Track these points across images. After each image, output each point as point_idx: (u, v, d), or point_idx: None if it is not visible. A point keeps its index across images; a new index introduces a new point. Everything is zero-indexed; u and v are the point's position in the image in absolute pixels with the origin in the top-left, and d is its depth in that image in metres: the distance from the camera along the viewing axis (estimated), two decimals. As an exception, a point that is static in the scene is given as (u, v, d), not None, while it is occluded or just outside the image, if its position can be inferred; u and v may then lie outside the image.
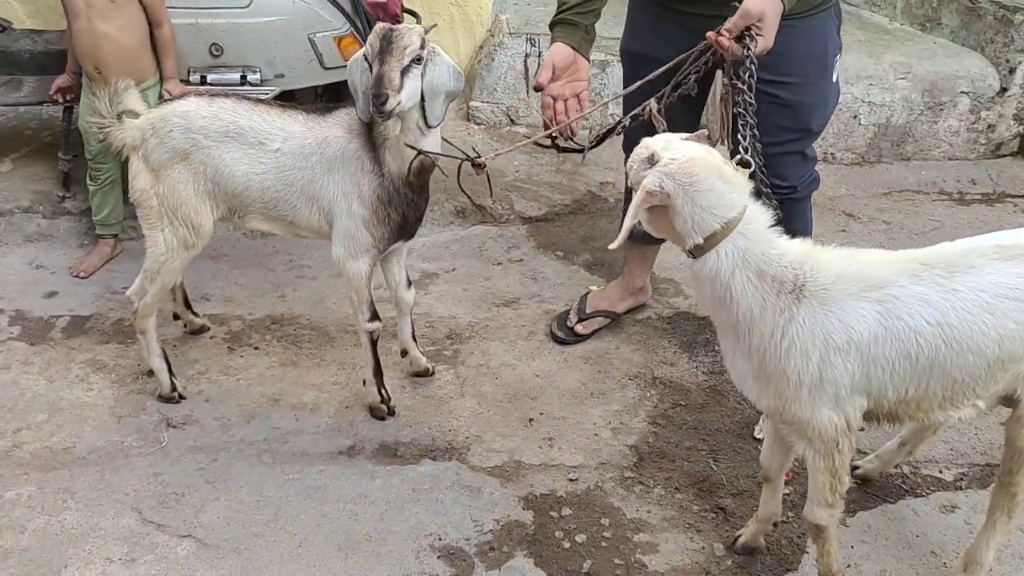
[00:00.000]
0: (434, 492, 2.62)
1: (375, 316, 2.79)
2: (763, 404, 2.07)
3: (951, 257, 1.95)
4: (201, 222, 2.73)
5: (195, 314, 3.30)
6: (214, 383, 3.06)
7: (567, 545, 2.49)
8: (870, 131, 4.93)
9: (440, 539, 2.49)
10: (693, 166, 1.87)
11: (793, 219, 2.86)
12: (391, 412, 2.90)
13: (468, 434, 2.87)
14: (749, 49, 2.20)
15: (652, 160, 1.92)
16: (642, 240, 2.95)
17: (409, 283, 2.96)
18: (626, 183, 2.16)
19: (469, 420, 2.92)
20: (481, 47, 5.24)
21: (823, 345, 1.89)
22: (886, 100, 4.89)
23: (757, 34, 2.20)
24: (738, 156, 2.12)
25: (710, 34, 2.24)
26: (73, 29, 3.42)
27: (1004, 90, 4.95)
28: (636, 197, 1.91)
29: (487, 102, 5.00)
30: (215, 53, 3.75)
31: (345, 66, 3.93)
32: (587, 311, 3.38)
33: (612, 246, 1.96)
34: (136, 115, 2.72)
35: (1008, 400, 2.07)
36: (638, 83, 2.52)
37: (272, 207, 2.72)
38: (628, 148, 2.38)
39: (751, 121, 2.23)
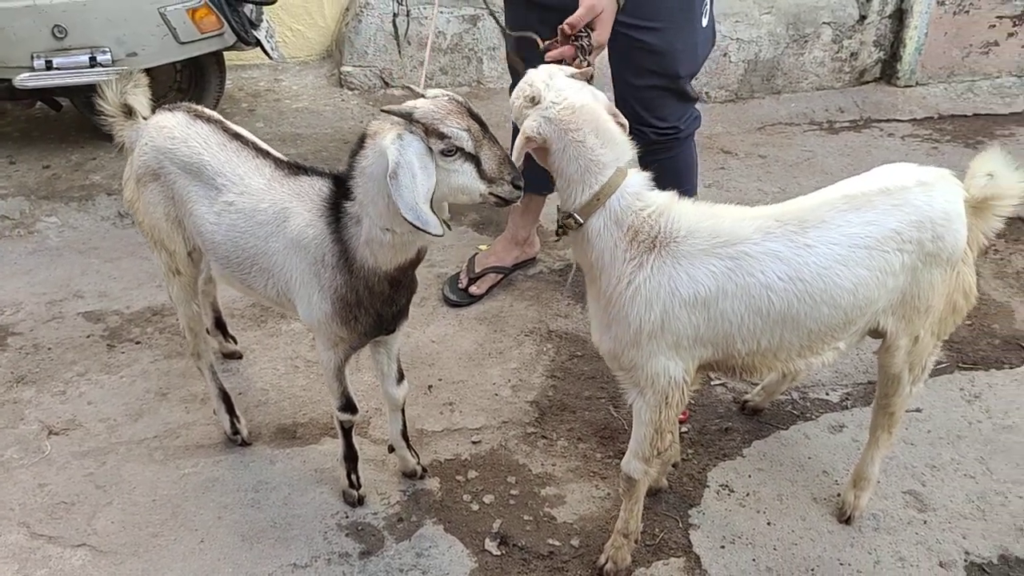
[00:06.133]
0: (337, 470, 2.58)
1: (348, 407, 2.38)
2: (603, 348, 2.09)
3: (804, 212, 1.97)
4: (176, 249, 2.39)
5: (228, 338, 3.04)
6: (96, 384, 2.92)
7: (475, 508, 2.49)
8: (740, 68, 5.03)
9: (347, 516, 2.46)
10: (574, 116, 1.87)
11: (680, 158, 2.90)
12: (360, 501, 2.50)
13: (367, 407, 2.83)
14: (583, 50, 2.28)
15: (534, 100, 1.90)
16: (527, 190, 2.93)
17: (400, 377, 2.46)
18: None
19: (367, 393, 2.88)
20: (347, 9, 5.10)
21: (668, 297, 1.91)
22: (753, 36, 4.98)
23: (591, 30, 2.28)
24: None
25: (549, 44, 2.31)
26: None
27: (863, 18, 5.12)
28: (518, 139, 1.90)
29: (359, 66, 4.87)
30: (58, 35, 3.53)
31: (203, 39, 3.79)
32: (476, 270, 3.36)
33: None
34: (139, 116, 2.39)
35: (875, 332, 2.14)
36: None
37: (226, 265, 2.29)
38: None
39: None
